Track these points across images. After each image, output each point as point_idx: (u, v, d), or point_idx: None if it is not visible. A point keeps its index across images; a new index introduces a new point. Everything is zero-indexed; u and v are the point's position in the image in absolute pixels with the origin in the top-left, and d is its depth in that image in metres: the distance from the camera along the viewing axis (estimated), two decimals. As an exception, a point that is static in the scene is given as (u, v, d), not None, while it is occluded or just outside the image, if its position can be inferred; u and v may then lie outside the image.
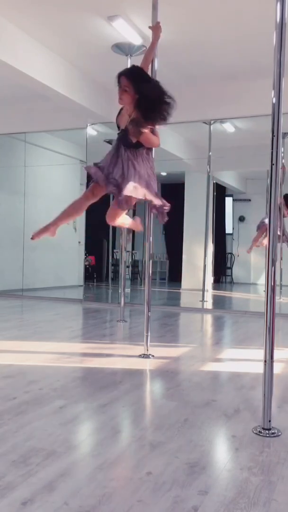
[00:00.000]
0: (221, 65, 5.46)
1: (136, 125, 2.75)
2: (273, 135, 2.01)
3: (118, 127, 2.94)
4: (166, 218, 2.96)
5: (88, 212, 7.14)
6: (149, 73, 3.30)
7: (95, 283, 8.98)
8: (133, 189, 2.74)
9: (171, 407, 2.33)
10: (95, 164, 2.86)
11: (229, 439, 1.94)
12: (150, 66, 3.27)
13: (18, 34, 4.80)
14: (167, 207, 2.92)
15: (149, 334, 3.39)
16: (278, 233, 2.39)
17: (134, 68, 2.95)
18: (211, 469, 1.66)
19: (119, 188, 2.72)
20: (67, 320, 5.29)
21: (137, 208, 8.08)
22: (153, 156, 3.40)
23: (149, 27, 3.31)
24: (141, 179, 2.79)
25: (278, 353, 2.71)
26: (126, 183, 2.71)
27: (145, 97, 2.72)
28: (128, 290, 7.12)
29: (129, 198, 2.78)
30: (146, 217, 3.33)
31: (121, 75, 2.79)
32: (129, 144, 2.79)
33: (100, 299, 8.06)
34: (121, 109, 2.95)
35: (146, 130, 2.76)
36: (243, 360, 3.44)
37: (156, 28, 3.24)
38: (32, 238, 2.92)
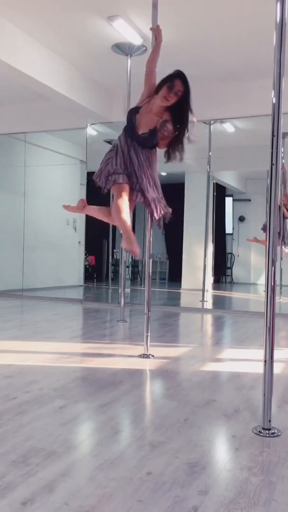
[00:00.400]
0: (221, 65, 5.46)
1: (180, 140, 2.81)
2: (273, 135, 2.01)
3: (131, 124, 2.87)
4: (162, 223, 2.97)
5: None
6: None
7: (95, 283, 8.98)
8: (152, 191, 2.80)
9: (171, 407, 2.33)
10: (117, 171, 2.79)
11: (229, 439, 1.94)
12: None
13: (18, 34, 4.80)
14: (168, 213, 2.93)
15: (149, 334, 3.39)
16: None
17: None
18: (211, 469, 1.66)
19: (144, 195, 2.78)
20: (67, 320, 5.29)
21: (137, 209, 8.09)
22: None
23: (151, 29, 3.32)
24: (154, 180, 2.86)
25: (278, 353, 2.71)
26: (147, 188, 2.77)
27: (188, 106, 2.81)
28: (128, 290, 7.13)
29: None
30: (146, 217, 3.33)
31: (179, 77, 2.77)
32: (152, 145, 2.80)
33: (100, 299, 8.06)
34: (139, 107, 2.89)
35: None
36: (243, 360, 3.44)
37: (157, 31, 3.24)
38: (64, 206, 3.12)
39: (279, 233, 6.23)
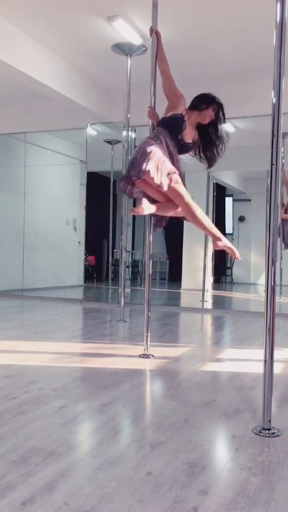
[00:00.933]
0: (221, 65, 5.46)
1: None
2: (273, 135, 2.01)
3: (181, 130, 3.13)
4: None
5: (88, 212, 7.17)
6: (152, 73, 3.38)
7: (95, 283, 8.98)
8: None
9: (171, 407, 2.33)
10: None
11: (229, 439, 1.94)
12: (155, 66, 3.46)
13: (18, 34, 4.80)
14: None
15: (149, 334, 3.39)
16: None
17: None
18: (211, 469, 1.66)
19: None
20: (67, 320, 5.29)
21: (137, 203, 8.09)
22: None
23: (151, 30, 3.39)
24: None
25: (278, 353, 2.71)
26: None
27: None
28: (128, 290, 7.12)
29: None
30: (146, 215, 3.33)
31: (218, 105, 3.15)
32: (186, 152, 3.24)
33: (100, 299, 8.06)
34: (185, 121, 3.15)
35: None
36: (243, 360, 3.44)
37: (157, 32, 3.37)
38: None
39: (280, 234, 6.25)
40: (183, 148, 3.16)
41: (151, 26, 3.40)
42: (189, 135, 3.16)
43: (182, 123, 3.11)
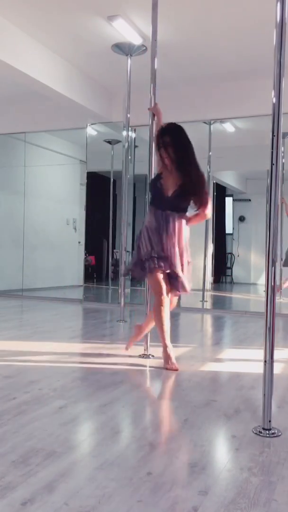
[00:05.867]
0: (221, 65, 5.46)
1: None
2: (273, 135, 2.00)
3: (160, 194, 3.08)
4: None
5: (88, 212, 7.17)
6: (153, 73, 3.37)
7: (95, 283, 8.98)
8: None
9: (171, 407, 2.33)
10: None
11: (229, 439, 1.94)
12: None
13: (18, 34, 4.80)
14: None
15: (149, 334, 3.39)
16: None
17: None
18: (211, 469, 1.65)
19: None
20: (67, 320, 5.29)
21: (137, 203, 8.09)
22: (154, 158, 3.45)
23: (149, 109, 3.36)
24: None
25: (278, 353, 2.71)
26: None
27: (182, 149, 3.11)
28: (128, 290, 7.12)
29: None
30: (146, 216, 3.32)
31: (163, 133, 3.04)
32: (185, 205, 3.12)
33: (100, 299, 8.06)
34: (160, 178, 3.10)
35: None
36: (243, 360, 3.44)
37: (156, 110, 3.33)
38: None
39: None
40: (173, 203, 2.97)
41: (155, 103, 3.34)
42: (171, 185, 3.00)
43: (156, 183, 3.04)
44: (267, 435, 1.96)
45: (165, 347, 3.10)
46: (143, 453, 1.77)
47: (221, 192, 9.08)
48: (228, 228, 9.68)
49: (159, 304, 3.05)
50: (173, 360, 3.05)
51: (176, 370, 2.98)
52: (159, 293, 3.02)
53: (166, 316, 3.08)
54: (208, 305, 6.81)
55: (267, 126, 2.09)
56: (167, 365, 3.04)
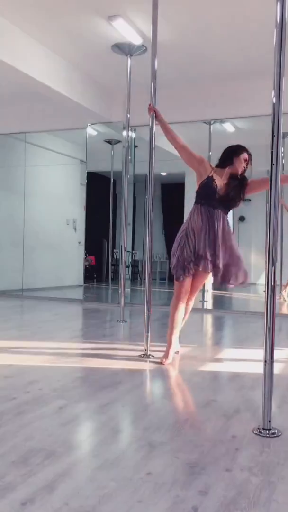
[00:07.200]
0: (221, 65, 5.46)
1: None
2: (273, 135, 2.00)
3: (213, 195, 3.24)
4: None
5: (88, 212, 7.17)
6: (153, 73, 3.37)
7: (95, 283, 8.98)
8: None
9: (171, 407, 2.33)
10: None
11: (229, 439, 1.94)
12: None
13: (18, 34, 4.80)
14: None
15: (149, 334, 3.39)
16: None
17: None
18: (211, 469, 1.65)
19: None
20: (67, 320, 5.29)
21: (137, 203, 8.08)
22: (154, 157, 3.46)
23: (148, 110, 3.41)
24: None
25: (278, 353, 2.70)
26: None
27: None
28: (128, 290, 7.12)
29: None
30: (146, 215, 3.33)
31: (247, 151, 3.28)
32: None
33: (100, 299, 8.06)
34: (213, 180, 3.24)
35: None
36: (243, 360, 3.43)
37: (155, 111, 3.36)
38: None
39: None
40: (226, 202, 3.22)
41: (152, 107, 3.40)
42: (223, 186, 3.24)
43: (211, 184, 3.18)
44: (267, 435, 1.96)
45: (168, 342, 3.25)
46: (143, 453, 1.77)
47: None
48: (228, 228, 9.66)
49: (175, 305, 3.33)
50: (168, 358, 3.18)
51: (161, 363, 3.14)
52: (179, 298, 3.32)
53: (179, 317, 3.32)
54: (208, 305, 6.81)
55: (267, 126, 2.09)
56: (161, 358, 3.20)
